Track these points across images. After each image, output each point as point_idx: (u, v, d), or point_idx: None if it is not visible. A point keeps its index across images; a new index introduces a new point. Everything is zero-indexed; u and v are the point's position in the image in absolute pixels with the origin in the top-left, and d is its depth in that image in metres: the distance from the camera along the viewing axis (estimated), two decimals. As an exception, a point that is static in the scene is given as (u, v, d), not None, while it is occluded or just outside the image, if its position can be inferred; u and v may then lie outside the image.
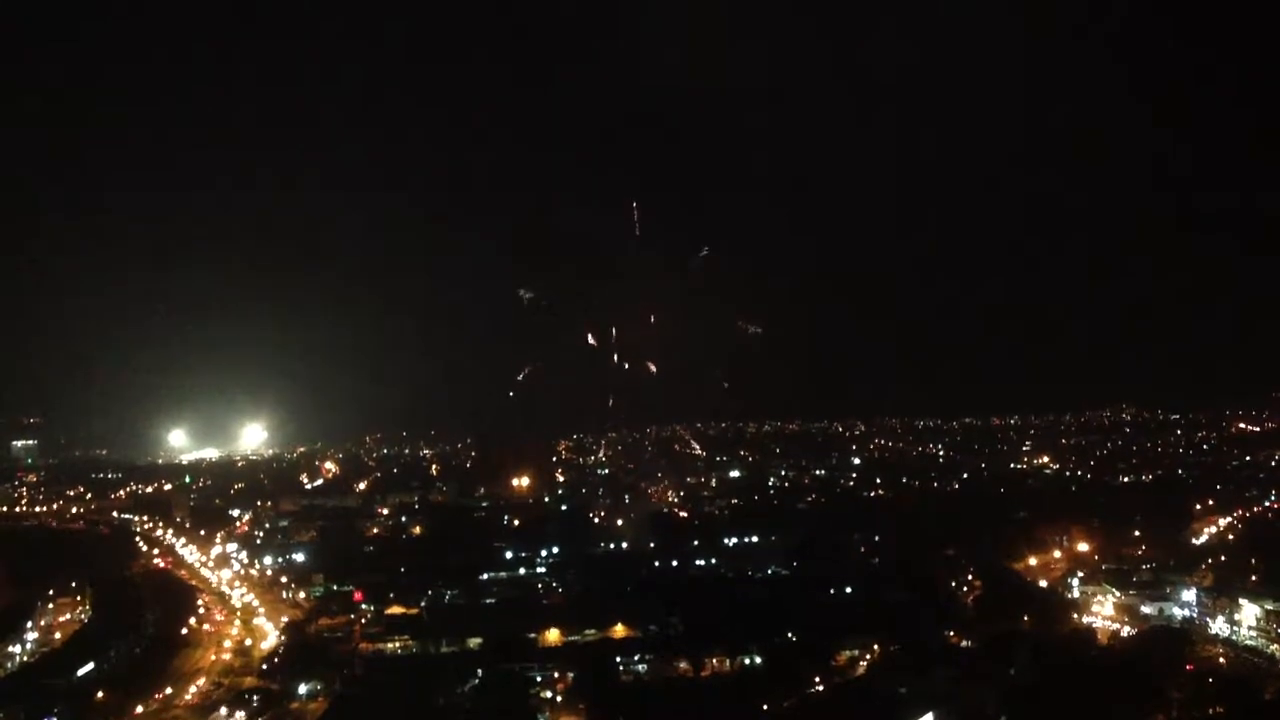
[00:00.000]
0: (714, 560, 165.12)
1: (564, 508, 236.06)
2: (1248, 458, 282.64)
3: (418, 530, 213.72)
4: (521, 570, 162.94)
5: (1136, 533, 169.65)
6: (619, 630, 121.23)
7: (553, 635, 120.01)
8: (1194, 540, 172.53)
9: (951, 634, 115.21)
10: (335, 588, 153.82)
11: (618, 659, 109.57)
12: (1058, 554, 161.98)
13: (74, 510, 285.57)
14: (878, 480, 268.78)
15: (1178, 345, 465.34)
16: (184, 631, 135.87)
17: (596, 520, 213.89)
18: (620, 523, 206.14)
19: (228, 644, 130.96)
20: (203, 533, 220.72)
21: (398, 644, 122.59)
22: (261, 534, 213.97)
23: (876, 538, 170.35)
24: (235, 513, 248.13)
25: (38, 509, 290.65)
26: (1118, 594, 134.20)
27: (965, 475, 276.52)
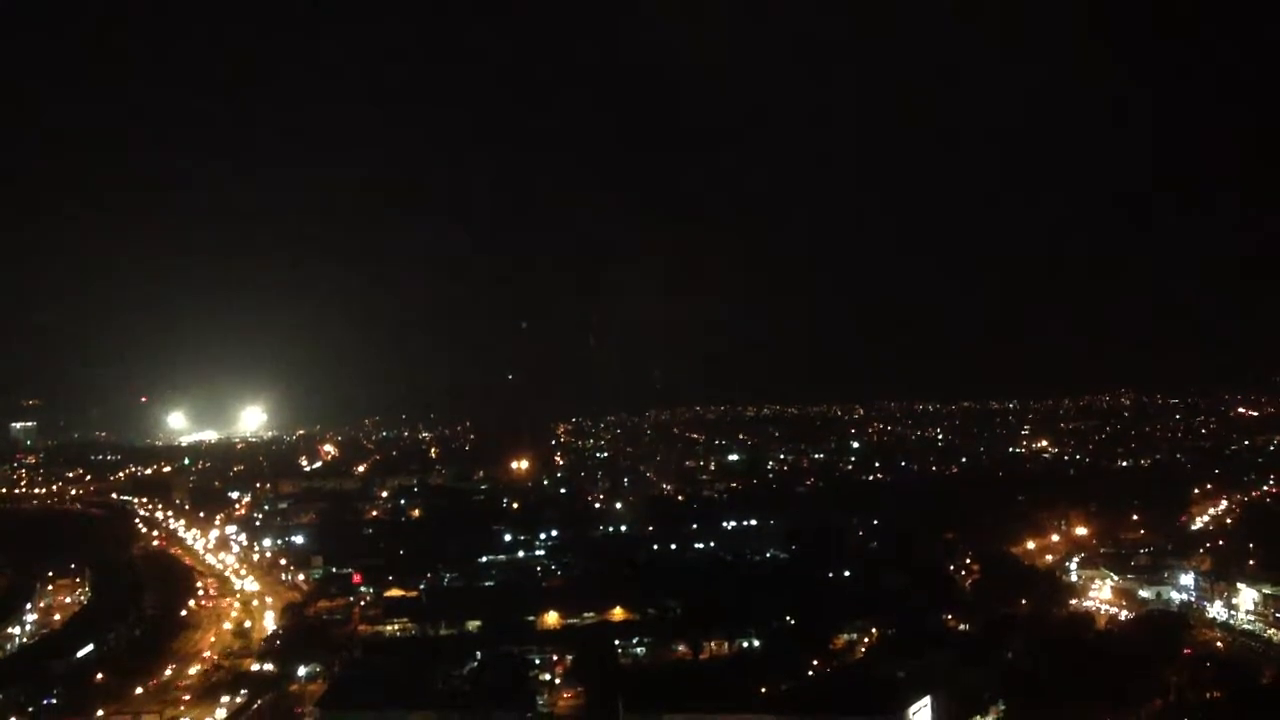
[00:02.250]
0: (712, 544, 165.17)
1: (563, 491, 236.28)
2: (1246, 442, 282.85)
3: (416, 513, 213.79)
4: (520, 553, 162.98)
5: (1135, 517, 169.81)
6: (617, 613, 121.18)
7: (551, 618, 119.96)
8: (1192, 524, 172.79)
9: (949, 617, 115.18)
10: (334, 570, 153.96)
11: (616, 642, 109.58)
12: (1056, 538, 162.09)
13: (73, 492, 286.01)
14: (876, 464, 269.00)
15: (1177, 329, 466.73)
16: (183, 613, 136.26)
17: (595, 503, 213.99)
18: (619, 506, 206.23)
19: (227, 626, 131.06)
20: (202, 515, 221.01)
21: (396, 626, 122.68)
22: (260, 516, 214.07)
23: (875, 521, 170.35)
24: (234, 495, 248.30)
25: (36, 491, 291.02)
26: (1116, 578, 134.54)
27: (964, 459, 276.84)
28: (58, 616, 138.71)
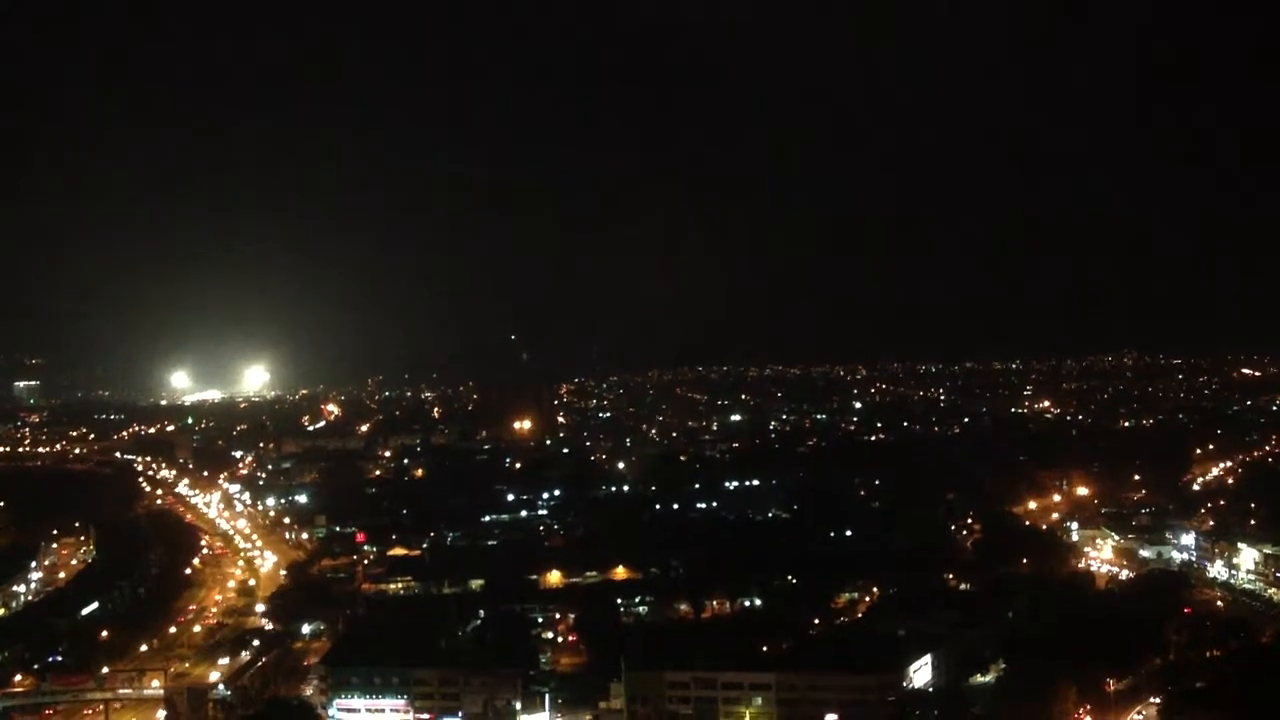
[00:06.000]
0: (715, 503, 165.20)
1: (565, 451, 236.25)
2: (1249, 402, 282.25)
3: (419, 472, 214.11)
4: (523, 513, 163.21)
5: (1136, 477, 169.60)
6: (620, 572, 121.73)
7: (554, 577, 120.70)
8: (1194, 484, 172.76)
9: (950, 577, 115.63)
10: (338, 529, 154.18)
11: (619, 600, 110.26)
12: (1058, 498, 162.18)
13: (77, 451, 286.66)
14: (879, 424, 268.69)
15: (1180, 291, 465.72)
16: (187, 572, 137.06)
17: (598, 463, 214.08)
18: (621, 466, 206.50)
19: (231, 584, 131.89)
20: (205, 474, 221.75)
21: (400, 585, 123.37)
22: (264, 475, 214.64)
23: (877, 481, 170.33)
24: (238, 454, 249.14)
25: (40, 449, 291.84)
26: (1117, 537, 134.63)
27: (966, 420, 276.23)
28: (62, 574, 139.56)
